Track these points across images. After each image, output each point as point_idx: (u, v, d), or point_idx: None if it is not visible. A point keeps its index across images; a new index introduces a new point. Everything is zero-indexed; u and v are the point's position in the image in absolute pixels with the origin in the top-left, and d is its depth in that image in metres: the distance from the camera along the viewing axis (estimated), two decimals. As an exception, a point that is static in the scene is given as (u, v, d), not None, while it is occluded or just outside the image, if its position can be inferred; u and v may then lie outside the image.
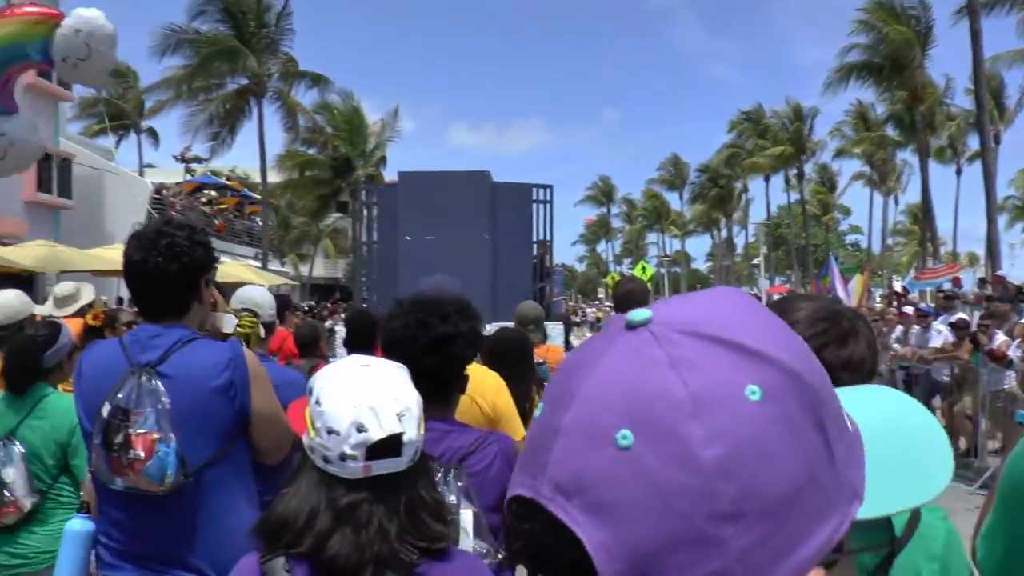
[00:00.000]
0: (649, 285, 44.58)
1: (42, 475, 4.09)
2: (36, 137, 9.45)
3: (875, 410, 0.85)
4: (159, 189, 36.94)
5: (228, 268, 26.32)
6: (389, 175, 45.54)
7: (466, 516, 2.64)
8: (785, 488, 0.64)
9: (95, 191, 33.97)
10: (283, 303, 9.71)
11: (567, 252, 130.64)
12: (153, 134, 54.91)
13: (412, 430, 1.86)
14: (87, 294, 7.90)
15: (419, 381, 2.84)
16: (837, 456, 0.68)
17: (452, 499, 2.64)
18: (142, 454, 2.63)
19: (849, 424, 0.72)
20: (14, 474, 4.01)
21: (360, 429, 1.79)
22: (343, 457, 1.81)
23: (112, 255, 24.09)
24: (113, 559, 2.81)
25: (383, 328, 3.10)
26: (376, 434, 1.80)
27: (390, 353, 3.03)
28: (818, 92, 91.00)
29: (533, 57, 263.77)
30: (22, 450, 4.05)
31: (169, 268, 2.85)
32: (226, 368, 2.78)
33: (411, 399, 1.92)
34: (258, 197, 43.10)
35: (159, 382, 2.72)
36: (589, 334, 40.63)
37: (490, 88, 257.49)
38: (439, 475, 2.66)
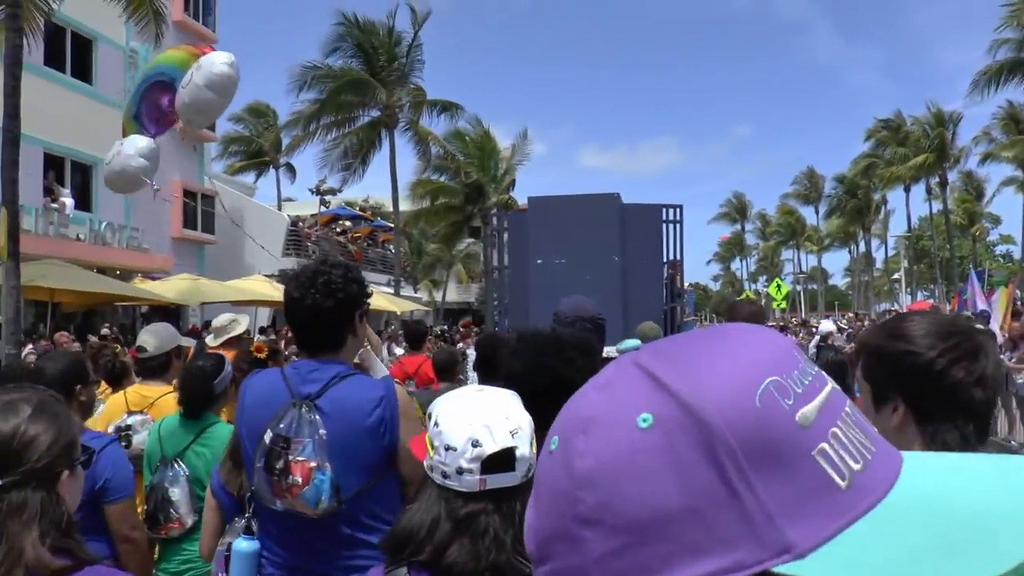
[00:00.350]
0: (784, 303, 43.28)
1: (201, 495, 4.44)
2: (139, 165, 9.76)
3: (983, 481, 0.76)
4: (295, 222, 38.16)
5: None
6: (520, 198, 45.89)
7: None
8: (648, 511, 0.69)
9: (235, 225, 35.28)
10: (421, 329, 9.93)
11: (702, 271, 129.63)
12: (291, 169, 56.46)
13: (524, 447, 2.00)
14: (239, 326, 8.31)
15: (540, 414, 2.96)
16: (754, 502, 0.68)
17: None
18: (300, 480, 2.85)
19: (839, 480, 0.71)
20: (179, 494, 4.46)
21: (475, 444, 1.96)
22: (460, 471, 1.97)
23: (249, 286, 25.15)
24: (273, 570, 3.08)
25: (504, 363, 3.23)
26: (490, 448, 1.96)
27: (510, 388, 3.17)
28: (961, 95, 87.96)
29: (663, 75, 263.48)
30: (186, 472, 4.44)
31: (325, 304, 3.07)
32: (378, 405, 2.97)
33: (523, 419, 2.07)
34: (391, 225, 43.90)
35: (317, 415, 2.93)
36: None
37: (620, 108, 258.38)
38: None
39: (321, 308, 3.08)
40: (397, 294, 36.00)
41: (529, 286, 10.74)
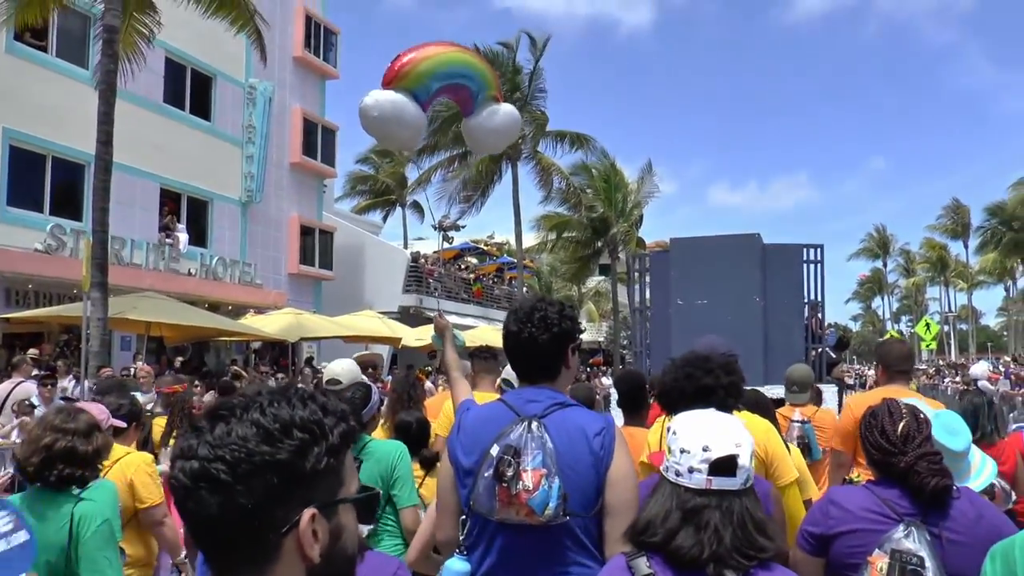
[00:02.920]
0: (934, 344, 42.32)
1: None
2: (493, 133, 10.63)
3: None
4: (416, 257, 39.15)
5: (482, 333, 27.69)
6: (648, 236, 46.10)
7: None
8: None
9: (356, 261, 36.51)
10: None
11: (841, 310, 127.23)
12: (418, 207, 57.62)
13: (746, 458, 2.56)
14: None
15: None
16: None
17: None
18: (531, 485, 3.22)
19: None
20: None
21: (705, 449, 2.54)
22: (691, 471, 2.55)
23: (358, 322, 26.00)
24: None
25: (658, 381, 3.84)
26: (717, 452, 2.54)
27: (662, 403, 3.93)
28: None
29: (793, 110, 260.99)
30: None
31: (540, 338, 3.55)
32: (599, 434, 3.36)
33: (746, 437, 2.62)
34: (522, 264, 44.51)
35: (545, 431, 3.34)
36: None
37: (750, 145, 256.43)
38: None
39: (536, 341, 3.54)
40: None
41: (671, 326, 11.37)
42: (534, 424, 3.36)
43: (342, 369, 6.33)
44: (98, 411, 5.10)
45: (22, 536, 3.72)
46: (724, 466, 2.53)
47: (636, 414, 6.58)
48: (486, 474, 3.34)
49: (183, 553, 5.66)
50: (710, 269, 11.27)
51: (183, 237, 26.78)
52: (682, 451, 2.60)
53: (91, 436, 4.32)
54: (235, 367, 21.30)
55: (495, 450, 3.35)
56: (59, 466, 4.17)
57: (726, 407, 3.68)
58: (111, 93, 16.78)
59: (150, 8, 18.59)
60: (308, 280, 34.00)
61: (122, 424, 5.72)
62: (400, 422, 6.09)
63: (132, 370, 16.67)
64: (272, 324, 23.93)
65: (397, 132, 9.64)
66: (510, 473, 3.27)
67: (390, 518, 5.14)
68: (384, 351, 31.35)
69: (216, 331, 22.50)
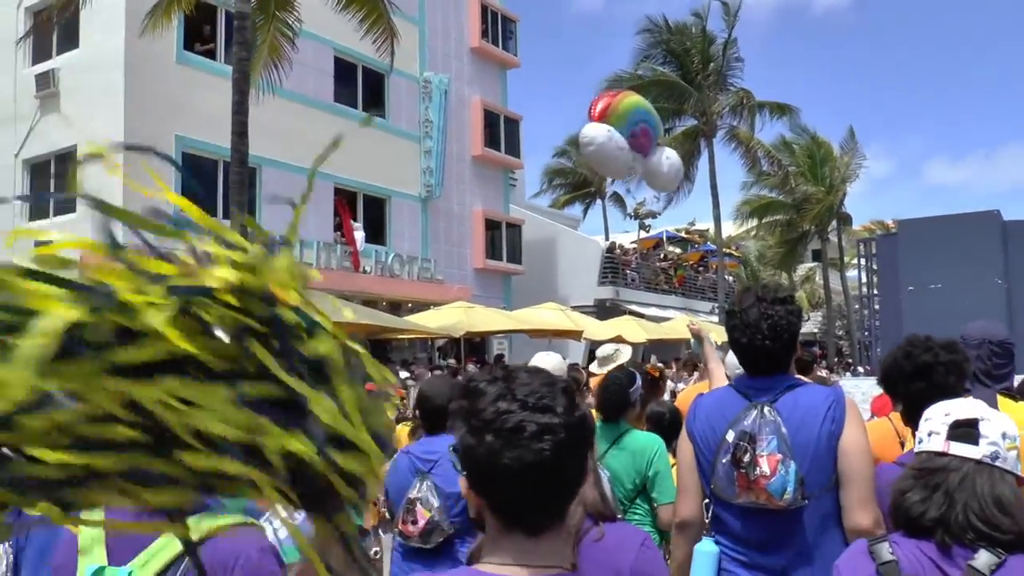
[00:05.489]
0: None
1: (621, 496, 5.37)
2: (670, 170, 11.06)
3: None
4: (611, 248, 38.85)
5: (677, 324, 27.78)
6: (861, 219, 44.54)
7: None
8: None
9: (548, 255, 36.50)
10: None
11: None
12: (619, 199, 57.10)
13: (993, 432, 2.51)
14: (622, 355, 9.43)
15: (906, 406, 3.88)
16: None
17: None
18: (768, 471, 3.41)
19: None
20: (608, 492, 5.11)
21: (947, 414, 2.58)
22: (931, 433, 2.59)
23: (536, 316, 25.87)
24: (731, 567, 3.63)
25: (882, 361, 4.00)
26: (957, 415, 2.56)
27: (885, 385, 4.08)
28: None
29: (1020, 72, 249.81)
30: (607, 474, 5.04)
31: (773, 347, 3.65)
32: (830, 408, 3.50)
33: (996, 416, 2.60)
34: (725, 251, 43.60)
35: (778, 415, 3.51)
36: None
37: (974, 114, 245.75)
38: None
39: (769, 351, 3.66)
40: (721, 323, 35.62)
41: (903, 313, 11.20)
42: (767, 409, 3.56)
43: (551, 366, 6.48)
44: None
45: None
46: (965, 430, 2.53)
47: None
48: (724, 460, 3.57)
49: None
50: (943, 251, 11.00)
51: (359, 235, 27.09)
52: (926, 420, 2.65)
53: None
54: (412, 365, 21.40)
55: (731, 436, 3.57)
56: None
57: (948, 387, 3.63)
58: (244, 82, 16.79)
59: (290, 5, 18.53)
60: (496, 275, 34.20)
61: None
62: (652, 412, 6.23)
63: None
64: (438, 320, 23.73)
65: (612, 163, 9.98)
66: (747, 459, 3.48)
67: (640, 507, 5.37)
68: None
69: (379, 327, 22.39)
